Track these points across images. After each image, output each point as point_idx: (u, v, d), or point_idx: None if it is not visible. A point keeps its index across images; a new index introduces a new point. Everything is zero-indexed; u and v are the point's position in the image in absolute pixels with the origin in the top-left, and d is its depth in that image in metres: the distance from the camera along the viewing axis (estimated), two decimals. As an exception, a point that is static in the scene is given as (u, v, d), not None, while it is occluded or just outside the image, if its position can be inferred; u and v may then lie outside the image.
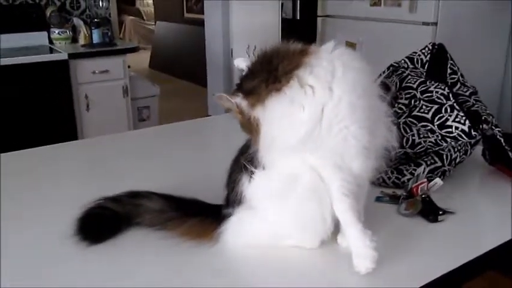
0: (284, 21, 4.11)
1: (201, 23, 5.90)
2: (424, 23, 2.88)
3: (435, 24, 2.84)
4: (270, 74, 0.89)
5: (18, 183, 1.37)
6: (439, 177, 1.25)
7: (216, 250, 1.01)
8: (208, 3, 5.35)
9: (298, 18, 3.95)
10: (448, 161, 1.29)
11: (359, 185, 0.95)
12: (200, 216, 1.06)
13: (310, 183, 0.94)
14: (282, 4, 4.09)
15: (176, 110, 5.46)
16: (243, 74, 0.95)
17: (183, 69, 7.73)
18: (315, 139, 0.88)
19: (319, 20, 3.66)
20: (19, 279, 0.94)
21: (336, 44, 0.92)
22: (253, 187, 0.98)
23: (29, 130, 3.43)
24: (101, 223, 1.07)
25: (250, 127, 0.93)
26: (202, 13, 5.71)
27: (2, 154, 1.54)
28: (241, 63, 0.97)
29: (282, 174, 0.95)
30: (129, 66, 3.96)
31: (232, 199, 1.02)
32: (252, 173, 0.97)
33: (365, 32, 3.20)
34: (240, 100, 0.92)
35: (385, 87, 0.98)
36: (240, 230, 1.01)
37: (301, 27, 3.89)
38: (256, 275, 0.97)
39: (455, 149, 1.29)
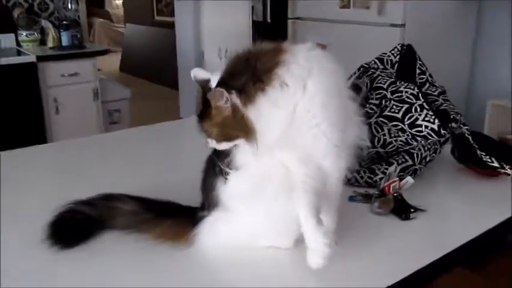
0: (255, 24, 4.12)
1: (171, 26, 5.87)
2: (392, 25, 2.93)
3: (403, 26, 2.89)
4: (251, 72, 0.87)
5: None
6: (410, 175, 1.27)
7: (191, 252, 1.00)
8: (178, 6, 5.32)
9: (268, 20, 3.96)
10: (419, 159, 1.31)
11: (327, 184, 0.94)
12: (175, 218, 1.06)
13: (281, 182, 0.93)
14: (253, 7, 4.10)
15: (148, 112, 5.41)
16: (225, 70, 0.90)
17: (154, 72, 7.67)
18: (286, 136, 0.88)
19: (289, 22, 3.68)
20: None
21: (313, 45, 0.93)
22: (228, 188, 0.97)
23: (-3, 134, 3.35)
24: (73, 227, 1.05)
25: (243, 126, 0.88)
26: (173, 16, 5.69)
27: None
28: (199, 73, 0.94)
29: (254, 174, 0.95)
30: (99, 69, 3.91)
31: (208, 202, 1.01)
32: (227, 174, 0.96)
33: (334, 34, 3.23)
34: (235, 98, 0.87)
35: (356, 88, 0.99)
36: (216, 231, 1.01)
37: (272, 30, 3.90)
38: (231, 276, 0.97)
39: (425, 148, 1.32)
